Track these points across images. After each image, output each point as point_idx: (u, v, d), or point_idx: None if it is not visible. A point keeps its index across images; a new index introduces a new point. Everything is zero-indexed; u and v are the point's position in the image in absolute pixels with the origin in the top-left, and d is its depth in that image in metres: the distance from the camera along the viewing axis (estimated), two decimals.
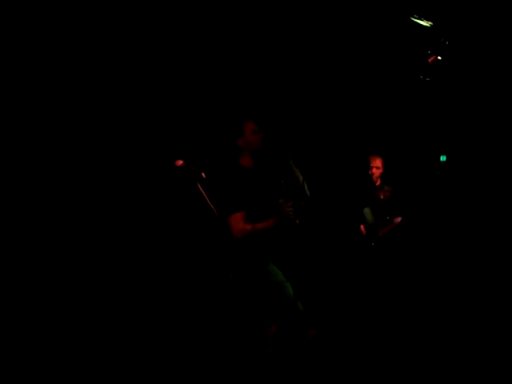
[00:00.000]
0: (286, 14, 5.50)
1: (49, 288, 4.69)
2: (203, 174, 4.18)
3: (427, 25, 5.04)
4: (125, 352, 4.59)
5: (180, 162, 4.16)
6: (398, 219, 5.67)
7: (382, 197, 5.74)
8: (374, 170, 5.79)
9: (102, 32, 4.96)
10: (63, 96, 4.89)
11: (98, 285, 4.83)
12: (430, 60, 5.39)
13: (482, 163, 5.81)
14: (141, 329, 4.81)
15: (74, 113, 4.97)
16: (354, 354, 4.85)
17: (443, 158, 6.11)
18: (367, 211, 5.69)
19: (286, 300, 4.10)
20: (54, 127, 4.85)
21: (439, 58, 5.27)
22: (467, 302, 5.39)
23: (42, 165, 4.80)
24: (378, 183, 5.85)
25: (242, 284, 4.16)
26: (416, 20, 5.03)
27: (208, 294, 5.02)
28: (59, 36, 4.80)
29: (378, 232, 5.64)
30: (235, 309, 4.29)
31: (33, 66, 4.73)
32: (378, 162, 5.82)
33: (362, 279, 5.54)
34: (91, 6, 4.84)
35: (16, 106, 4.69)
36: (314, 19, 5.60)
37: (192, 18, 5.29)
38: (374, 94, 6.13)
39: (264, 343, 4.13)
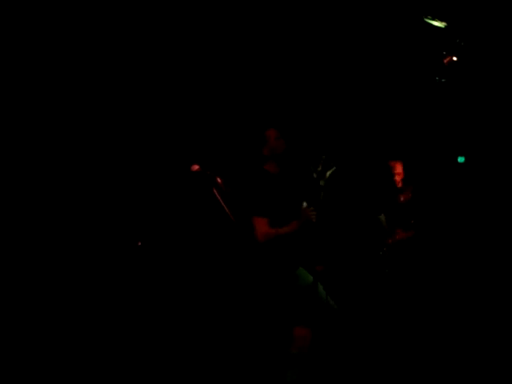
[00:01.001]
0: (296, 18, 5.52)
1: (57, 288, 4.71)
2: (219, 179, 4.20)
3: (441, 25, 5.02)
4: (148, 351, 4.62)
5: (196, 167, 4.19)
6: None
7: (402, 199, 5.71)
8: (401, 176, 5.75)
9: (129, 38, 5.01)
10: (78, 100, 4.94)
11: (120, 288, 4.86)
12: (445, 61, 5.36)
13: (500, 164, 5.76)
14: (159, 329, 4.84)
15: (91, 118, 5.01)
16: (365, 354, 4.86)
17: (461, 160, 6.07)
18: (382, 218, 5.66)
19: (316, 303, 4.11)
20: (69, 131, 4.90)
21: (454, 58, 5.23)
22: (477, 305, 5.37)
23: (54, 168, 4.85)
24: (399, 186, 5.81)
25: (269, 288, 4.18)
26: (430, 21, 5.01)
27: (224, 296, 5.03)
28: (67, 38, 4.83)
29: (390, 238, 5.60)
30: (259, 310, 4.30)
31: (38, 67, 4.76)
32: (399, 168, 5.77)
33: (373, 281, 5.52)
34: (94, 7, 4.87)
35: (24, 107, 4.72)
36: (328, 21, 5.60)
37: (211, 25, 5.33)
38: (389, 96, 6.10)
39: (288, 344, 4.14)
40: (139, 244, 4.95)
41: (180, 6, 5.22)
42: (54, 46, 4.82)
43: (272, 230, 4.17)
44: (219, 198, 4.18)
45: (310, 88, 5.85)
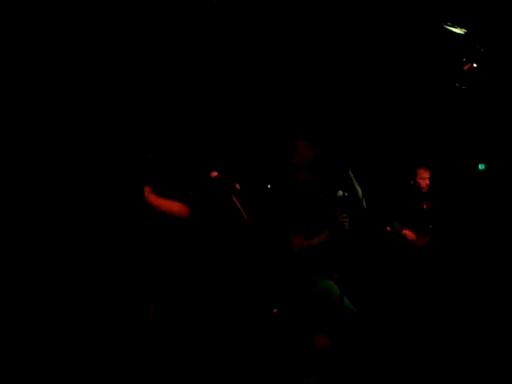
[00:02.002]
0: (318, 28, 5.55)
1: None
2: (238, 186, 4.21)
3: (461, 32, 5.00)
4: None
5: (215, 174, 4.21)
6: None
7: (424, 206, 5.70)
8: (427, 182, 5.73)
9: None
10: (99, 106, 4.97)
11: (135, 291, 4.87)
12: (465, 68, 5.34)
13: None
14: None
15: (112, 124, 5.04)
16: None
17: (482, 167, 6.04)
18: (396, 225, 5.65)
19: (341, 312, 4.12)
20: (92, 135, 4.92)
21: (475, 65, 5.21)
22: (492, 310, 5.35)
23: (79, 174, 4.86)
24: (425, 192, 5.79)
25: (293, 295, 4.19)
26: (450, 28, 5.00)
27: (241, 301, 5.04)
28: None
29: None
30: (279, 316, 4.31)
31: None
32: (426, 174, 5.75)
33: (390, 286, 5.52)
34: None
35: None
36: (348, 29, 5.62)
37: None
38: (409, 103, 6.09)
39: (307, 351, 4.14)
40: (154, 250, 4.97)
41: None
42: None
43: (305, 242, 4.18)
44: (238, 204, 4.19)
45: (331, 96, 5.86)
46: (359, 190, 4.34)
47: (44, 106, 4.72)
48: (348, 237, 4.23)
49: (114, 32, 4.95)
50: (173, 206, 4.30)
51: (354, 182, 4.35)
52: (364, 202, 4.33)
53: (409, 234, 5.51)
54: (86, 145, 4.90)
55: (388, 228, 5.64)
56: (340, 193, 4.27)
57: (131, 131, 5.05)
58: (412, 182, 5.69)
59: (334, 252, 4.32)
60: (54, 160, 4.74)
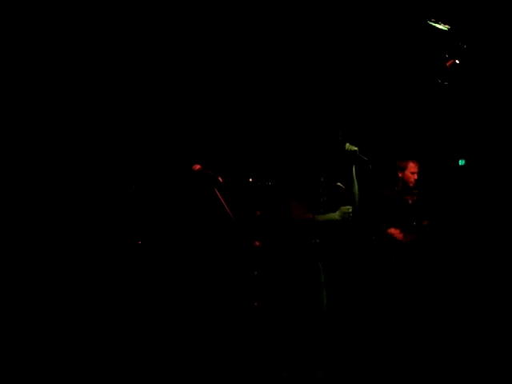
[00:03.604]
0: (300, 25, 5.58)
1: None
2: (220, 179, 4.21)
3: (444, 28, 5.03)
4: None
5: (197, 167, 4.20)
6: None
7: (410, 202, 5.71)
8: (416, 176, 5.73)
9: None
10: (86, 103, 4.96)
11: (118, 285, 4.88)
12: (448, 64, 5.36)
13: (501, 167, 5.77)
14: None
15: (90, 117, 5.03)
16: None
17: (462, 162, 6.08)
18: (382, 226, 5.66)
19: (320, 301, 4.15)
20: (66, 129, 4.92)
21: (457, 61, 5.24)
22: (480, 305, 5.39)
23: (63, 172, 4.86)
24: (412, 187, 5.80)
25: (282, 285, 4.19)
26: (433, 24, 5.02)
27: (224, 294, 5.05)
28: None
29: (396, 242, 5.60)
30: (260, 310, 4.32)
31: (38, 68, 4.77)
32: (414, 168, 5.74)
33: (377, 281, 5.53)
34: (92, 6, 4.89)
35: (24, 107, 4.73)
36: (335, 26, 5.64)
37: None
38: (391, 98, 6.12)
39: (291, 341, 4.15)
40: (139, 243, 4.97)
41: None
42: (54, 46, 4.84)
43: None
44: (220, 197, 4.19)
45: (314, 90, 5.88)
46: (356, 189, 4.34)
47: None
48: (348, 228, 4.25)
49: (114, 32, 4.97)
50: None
51: (355, 180, 4.35)
52: (357, 201, 4.34)
53: (395, 232, 5.51)
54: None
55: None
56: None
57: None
58: (400, 175, 5.67)
59: (333, 242, 4.34)
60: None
